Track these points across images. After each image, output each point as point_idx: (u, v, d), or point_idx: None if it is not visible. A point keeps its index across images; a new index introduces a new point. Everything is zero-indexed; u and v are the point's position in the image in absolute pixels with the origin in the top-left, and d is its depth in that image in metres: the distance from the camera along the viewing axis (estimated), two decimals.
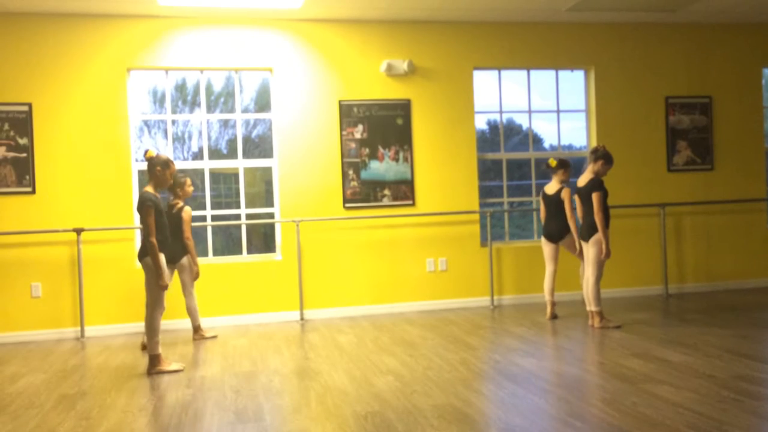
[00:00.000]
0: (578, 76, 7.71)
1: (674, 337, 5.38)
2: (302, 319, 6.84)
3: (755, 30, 7.87)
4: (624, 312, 6.38)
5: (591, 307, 5.87)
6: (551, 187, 6.35)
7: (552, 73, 7.65)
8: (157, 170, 4.87)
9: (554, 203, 6.30)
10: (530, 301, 7.32)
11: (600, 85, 7.55)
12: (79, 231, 6.36)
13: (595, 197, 5.72)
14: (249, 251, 7.08)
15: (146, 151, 4.87)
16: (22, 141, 6.37)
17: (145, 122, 7.67)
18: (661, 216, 7.54)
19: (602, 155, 5.86)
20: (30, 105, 6.39)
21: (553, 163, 6.31)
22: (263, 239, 8.13)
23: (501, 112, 7.54)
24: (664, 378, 4.17)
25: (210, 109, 7.17)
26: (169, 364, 4.92)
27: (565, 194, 6.23)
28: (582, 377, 4.33)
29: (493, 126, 7.85)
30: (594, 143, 7.48)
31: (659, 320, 6.12)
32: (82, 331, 6.38)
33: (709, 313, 6.34)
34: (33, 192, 6.39)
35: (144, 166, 6.47)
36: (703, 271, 7.75)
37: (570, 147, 7.82)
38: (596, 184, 5.77)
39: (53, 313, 6.41)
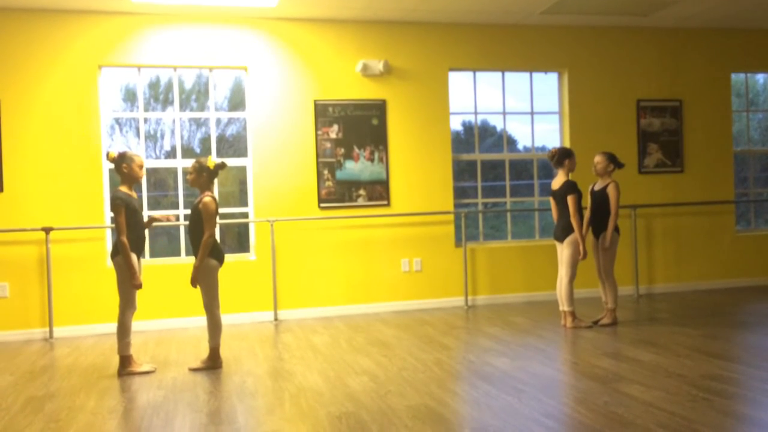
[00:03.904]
0: (552, 78, 7.78)
1: (645, 337, 5.45)
2: (276, 319, 6.80)
3: (724, 35, 8.01)
4: (596, 312, 6.44)
5: (564, 307, 5.92)
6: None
7: (526, 75, 7.70)
8: (123, 168, 4.79)
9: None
10: (504, 301, 7.37)
11: (573, 88, 7.63)
12: (48, 230, 6.24)
13: (570, 200, 5.77)
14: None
15: (108, 153, 4.79)
16: None
17: (117, 120, 7.57)
18: (632, 217, 7.64)
19: (563, 155, 5.91)
20: None
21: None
22: (237, 239, 8.07)
23: (476, 113, 7.58)
24: (635, 377, 4.22)
25: (183, 107, 7.10)
26: (140, 365, 4.85)
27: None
28: (555, 377, 4.37)
29: (467, 127, 7.90)
30: (567, 145, 7.55)
31: (630, 320, 6.19)
32: (51, 331, 6.27)
33: (679, 314, 6.44)
34: (1, 190, 6.26)
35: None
36: (673, 272, 7.88)
37: (543, 149, 7.88)
38: (571, 186, 5.81)
39: (21, 314, 6.28)
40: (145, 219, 4.99)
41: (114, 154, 4.78)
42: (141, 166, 4.85)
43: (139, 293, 4.87)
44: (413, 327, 6.19)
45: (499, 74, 7.61)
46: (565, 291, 5.88)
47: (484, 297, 7.35)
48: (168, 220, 5.41)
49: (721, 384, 4.03)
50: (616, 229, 5.98)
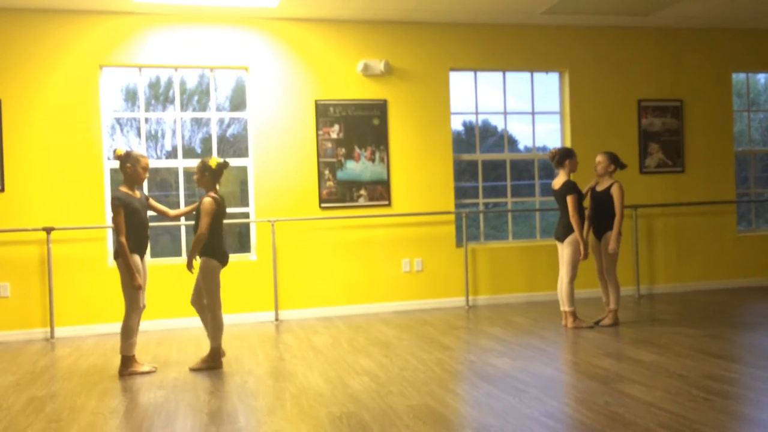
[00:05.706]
0: (553, 78, 7.78)
1: (646, 337, 5.45)
2: (277, 319, 6.80)
3: (725, 35, 8.01)
4: (597, 312, 6.44)
5: (564, 307, 5.92)
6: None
7: (527, 75, 7.70)
8: (127, 167, 4.78)
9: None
10: (505, 301, 7.37)
11: (574, 88, 7.63)
12: (49, 230, 6.25)
13: (570, 200, 5.77)
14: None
15: (114, 150, 4.79)
16: None
17: (118, 120, 7.57)
18: (633, 217, 7.64)
19: (564, 155, 5.92)
20: None
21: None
22: (238, 239, 8.07)
23: (477, 113, 7.58)
24: (636, 377, 4.22)
25: (184, 107, 7.10)
26: (141, 365, 4.85)
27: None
28: (555, 377, 4.36)
29: (468, 127, 7.90)
30: (568, 145, 7.55)
31: (631, 321, 6.19)
32: (52, 331, 6.27)
33: (680, 314, 6.44)
34: (2, 190, 6.27)
35: (116, 164, 6.38)
36: (674, 272, 7.87)
37: (545, 149, 7.88)
38: (570, 187, 5.82)
39: (22, 314, 6.28)
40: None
41: (121, 151, 4.77)
42: (145, 168, 4.83)
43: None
44: (414, 327, 6.19)
45: (500, 74, 7.61)
46: (565, 291, 5.88)
47: (484, 297, 7.35)
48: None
49: (722, 384, 4.03)
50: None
